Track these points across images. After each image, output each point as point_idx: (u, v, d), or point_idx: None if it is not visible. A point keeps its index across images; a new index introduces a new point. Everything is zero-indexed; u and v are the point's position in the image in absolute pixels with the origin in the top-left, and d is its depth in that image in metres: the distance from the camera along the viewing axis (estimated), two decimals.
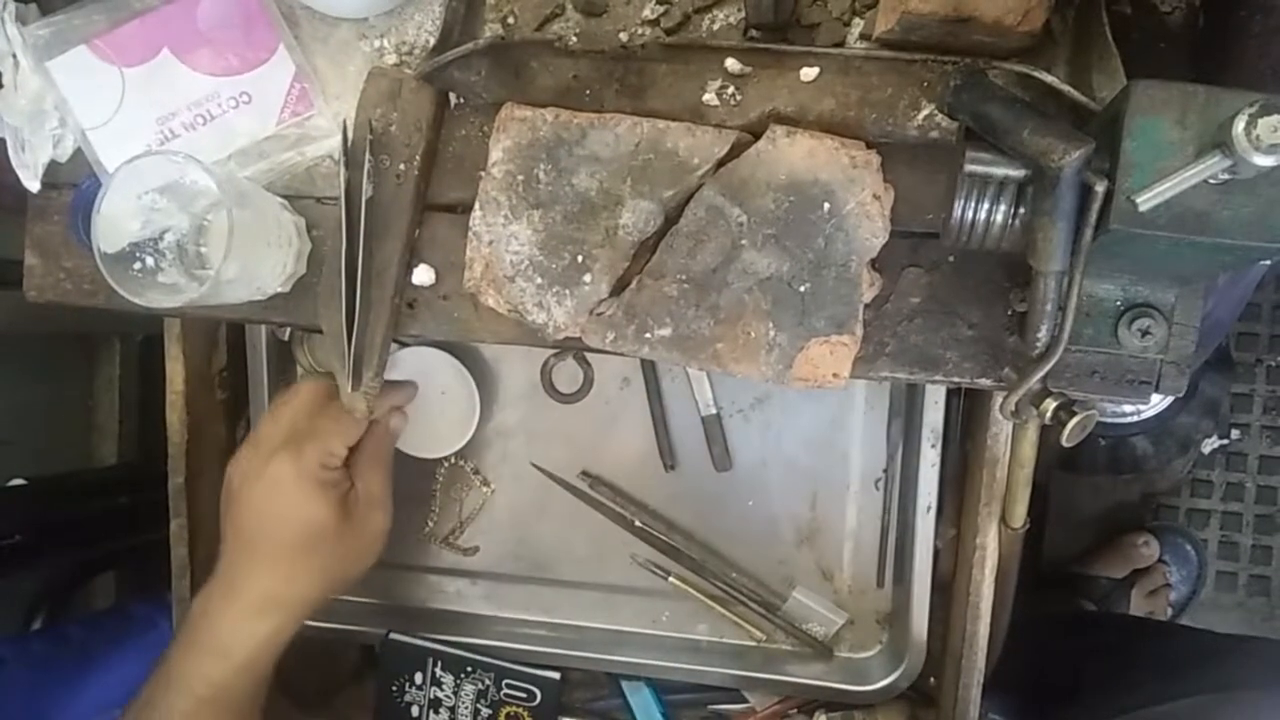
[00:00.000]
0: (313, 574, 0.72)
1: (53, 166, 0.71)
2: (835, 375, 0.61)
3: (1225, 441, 1.51)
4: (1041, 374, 0.55)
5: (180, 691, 0.69)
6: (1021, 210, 0.53)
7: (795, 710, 0.87)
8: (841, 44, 0.64)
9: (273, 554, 0.71)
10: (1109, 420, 1.39)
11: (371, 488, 0.76)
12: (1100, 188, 0.47)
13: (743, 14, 0.65)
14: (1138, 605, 1.41)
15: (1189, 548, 1.47)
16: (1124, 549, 1.45)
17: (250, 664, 0.70)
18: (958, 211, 0.53)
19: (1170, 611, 1.46)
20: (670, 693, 0.90)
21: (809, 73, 0.62)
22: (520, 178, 0.63)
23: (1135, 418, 1.41)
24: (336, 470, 0.73)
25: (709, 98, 0.64)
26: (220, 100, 0.69)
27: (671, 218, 0.62)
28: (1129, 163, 0.46)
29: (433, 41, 0.67)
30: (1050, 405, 0.58)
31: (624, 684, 0.90)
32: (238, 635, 0.70)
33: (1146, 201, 0.44)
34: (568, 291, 0.63)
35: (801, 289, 0.61)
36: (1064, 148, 0.47)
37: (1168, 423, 1.43)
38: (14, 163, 0.71)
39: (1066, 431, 0.56)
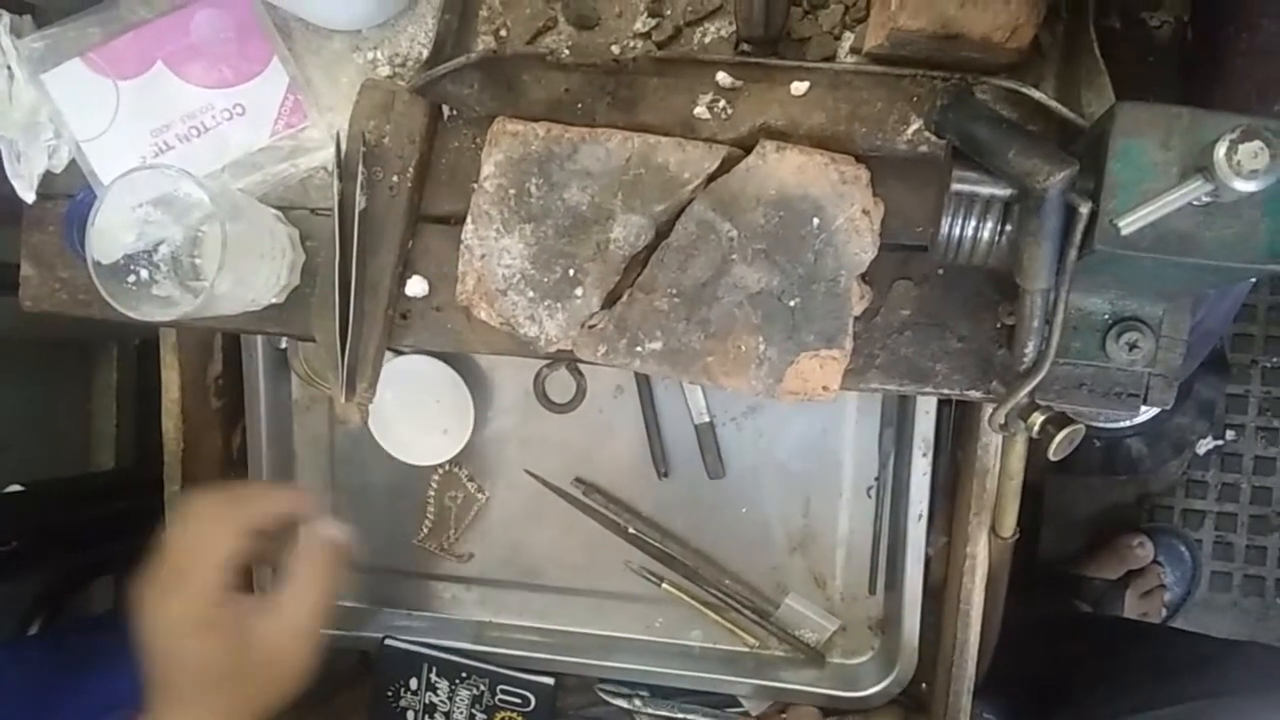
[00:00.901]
0: (219, 714, 0.65)
1: (48, 177, 0.72)
2: (825, 388, 0.62)
3: (1220, 442, 1.51)
4: (1028, 389, 0.56)
5: None
6: (1008, 228, 0.53)
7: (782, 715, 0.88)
8: (832, 58, 0.64)
9: (174, 697, 0.65)
10: (1103, 423, 1.39)
11: (294, 614, 0.67)
12: (1084, 209, 0.47)
13: (734, 28, 0.65)
14: (1132, 606, 1.41)
15: (1184, 549, 1.48)
16: (1119, 550, 1.45)
17: None
18: (945, 229, 0.53)
19: (1165, 612, 1.46)
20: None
21: (799, 87, 0.63)
22: (512, 192, 0.63)
23: (1130, 420, 1.41)
24: (223, 604, 0.65)
25: (700, 111, 0.64)
26: (214, 112, 0.70)
27: (662, 232, 0.63)
28: (1113, 184, 0.46)
29: (425, 54, 0.68)
30: (1038, 419, 0.59)
31: None
32: None
33: (1129, 225, 0.44)
34: (559, 305, 0.63)
35: (791, 303, 0.61)
36: (1048, 169, 0.47)
37: (1163, 424, 1.44)
38: (9, 174, 0.71)
39: (1054, 445, 0.57)
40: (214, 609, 0.64)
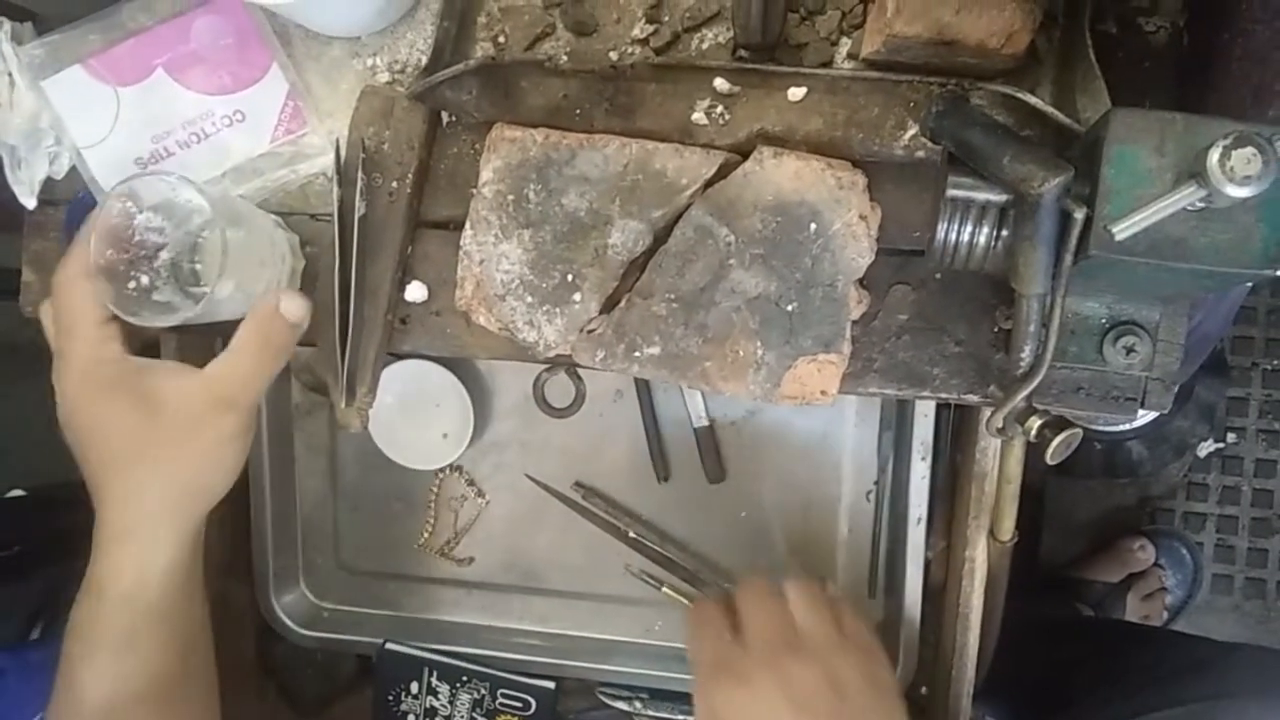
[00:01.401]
0: (147, 489, 0.60)
1: (48, 184, 0.72)
2: (823, 393, 0.62)
3: (1221, 445, 1.51)
4: (1025, 393, 0.56)
5: (71, 629, 0.62)
6: (1004, 233, 0.53)
7: None
8: (829, 64, 0.65)
9: (98, 476, 0.60)
10: (1104, 425, 1.39)
11: (222, 380, 0.61)
12: (1079, 215, 0.47)
13: (731, 34, 0.65)
14: (1133, 609, 1.41)
15: (1185, 551, 1.48)
16: (1120, 553, 1.45)
17: (128, 597, 0.60)
18: (941, 235, 0.54)
19: (1166, 615, 1.46)
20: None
21: (796, 93, 0.63)
22: (510, 197, 0.64)
23: (1130, 423, 1.41)
24: (119, 359, 0.60)
25: (698, 117, 0.64)
26: (214, 118, 0.70)
27: (660, 238, 0.63)
28: (1107, 190, 0.47)
29: (425, 60, 0.68)
30: (1035, 423, 0.59)
31: None
32: (99, 569, 0.61)
33: (1123, 231, 0.44)
34: (558, 310, 0.63)
35: (789, 308, 0.61)
36: (1043, 175, 0.47)
37: (1163, 427, 1.44)
38: (10, 180, 0.72)
39: (1051, 449, 0.57)
40: (105, 365, 0.60)
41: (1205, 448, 1.51)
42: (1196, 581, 1.49)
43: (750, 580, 0.69)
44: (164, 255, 0.66)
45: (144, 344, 0.68)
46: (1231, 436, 1.51)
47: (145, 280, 0.64)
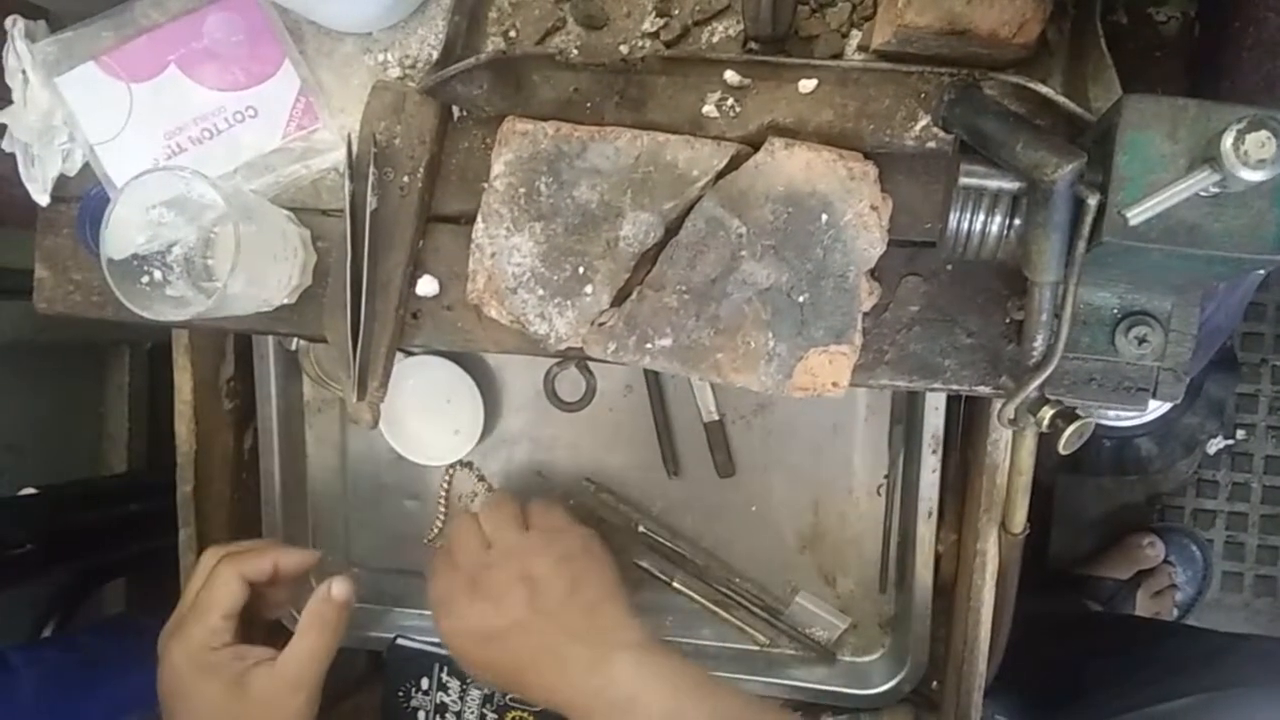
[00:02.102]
0: None
1: (61, 180, 0.73)
2: (834, 384, 0.62)
3: (1230, 442, 1.51)
4: (1038, 383, 0.56)
5: None
6: (1016, 222, 0.53)
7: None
8: (839, 56, 0.65)
9: None
10: (1113, 421, 1.39)
11: (292, 666, 0.71)
12: (1093, 201, 0.47)
13: (742, 26, 0.65)
14: (1143, 606, 1.41)
15: (1194, 548, 1.47)
16: (1129, 550, 1.45)
17: None
18: (953, 223, 0.54)
19: (1176, 612, 1.46)
20: None
21: (807, 84, 0.63)
22: (522, 190, 0.64)
23: (1140, 419, 1.41)
24: (224, 649, 0.70)
25: (709, 109, 0.64)
26: (226, 114, 0.70)
27: (671, 229, 0.63)
28: (1121, 176, 0.47)
29: (436, 55, 0.68)
30: (1048, 413, 0.59)
31: None
32: None
33: (1137, 216, 0.44)
34: (569, 303, 0.64)
35: (800, 299, 0.61)
36: (1056, 162, 0.47)
37: (1172, 424, 1.44)
38: (24, 177, 0.72)
39: (1064, 439, 0.57)
40: (213, 653, 0.69)
41: (1215, 444, 1.50)
42: (1206, 578, 1.48)
43: (459, 515, 0.81)
44: (177, 250, 0.66)
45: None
46: (1241, 433, 1.51)
47: (158, 275, 0.65)
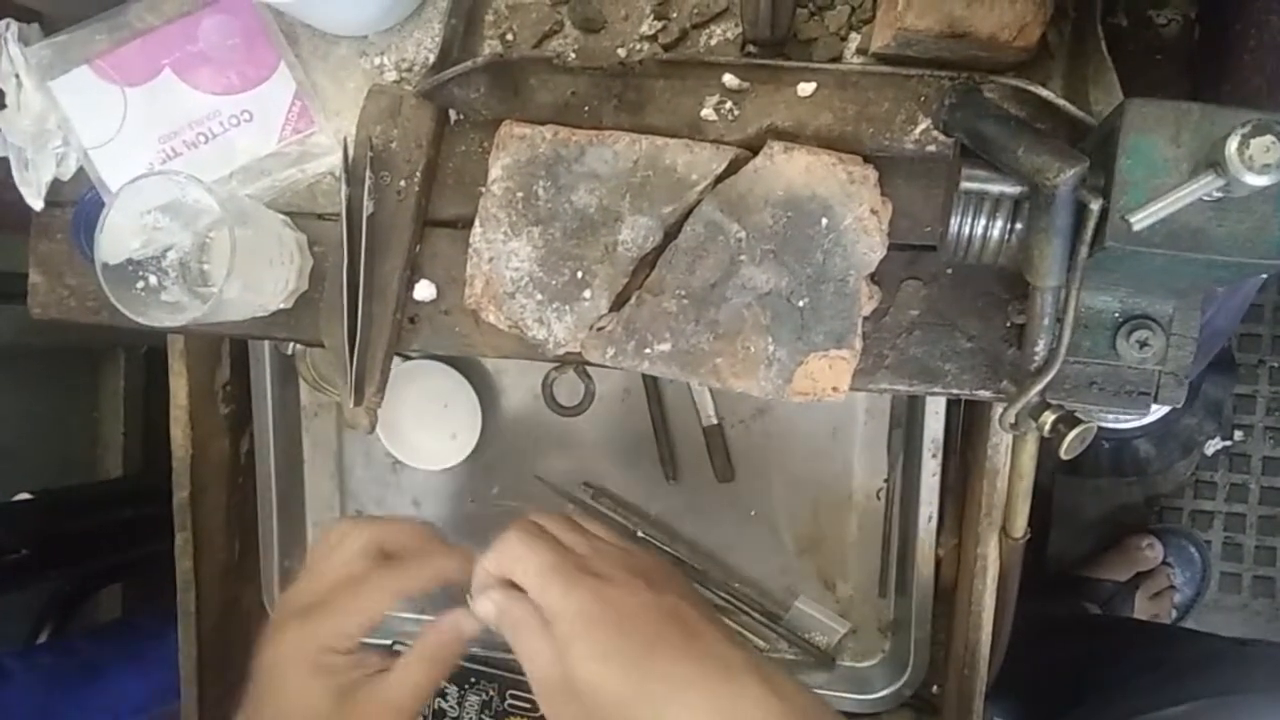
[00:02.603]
0: None
1: (56, 185, 0.72)
2: (834, 389, 0.62)
3: (1228, 443, 1.51)
4: (1039, 388, 0.56)
5: None
6: (1018, 226, 0.53)
7: None
8: (838, 59, 0.64)
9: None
10: (1112, 424, 1.39)
11: (401, 692, 0.64)
12: (1095, 206, 0.47)
13: (740, 30, 0.65)
14: (1142, 608, 1.41)
15: (1193, 550, 1.47)
16: (1128, 552, 1.45)
17: None
18: (954, 227, 0.53)
19: (1174, 614, 1.46)
20: None
21: (806, 88, 0.63)
22: (520, 195, 0.63)
23: (1138, 421, 1.41)
24: (344, 656, 0.64)
25: (707, 113, 0.64)
26: (222, 118, 0.70)
27: (670, 234, 0.62)
28: (1123, 181, 0.46)
29: (432, 58, 0.68)
30: (1049, 418, 0.58)
31: None
32: None
33: (1140, 221, 0.44)
34: (568, 307, 0.63)
35: (800, 304, 0.61)
36: (1058, 166, 0.47)
37: (1171, 425, 1.43)
38: (17, 181, 0.71)
39: (1065, 444, 0.57)
40: (334, 656, 0.63)
41: (1213, 445, 1.50)
42: (1205, 580, 1.48)
43: (528, 521, 0.66)
44: (172, 255, 0.66)
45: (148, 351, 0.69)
46: (1239, 434, 1.51)
47: (153, 280, 0.64)
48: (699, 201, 0.62)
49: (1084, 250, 0.49)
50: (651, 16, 0.66)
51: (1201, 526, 1.52)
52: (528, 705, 0.87)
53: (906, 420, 0.82)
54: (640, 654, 0.55)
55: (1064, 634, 1.18)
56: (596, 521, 0.66)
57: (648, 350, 0.63)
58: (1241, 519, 1.52)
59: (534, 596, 0.58)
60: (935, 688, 0.84)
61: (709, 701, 0.54)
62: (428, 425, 0.86)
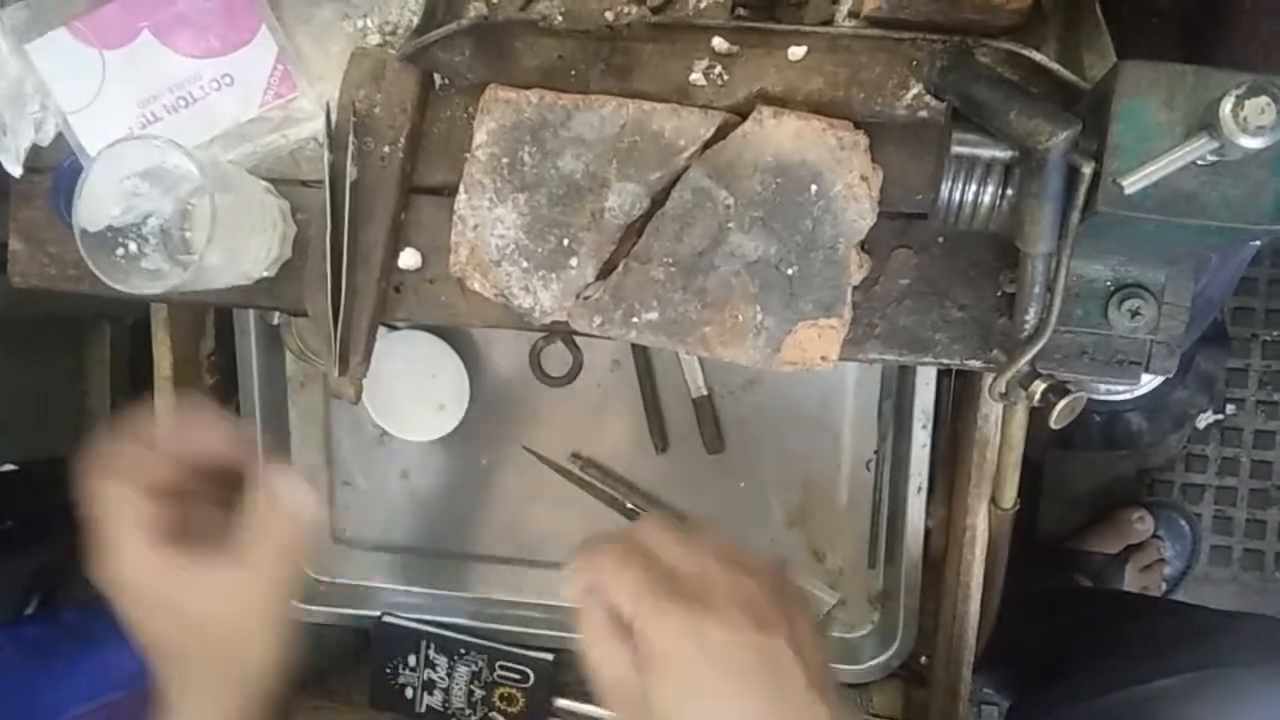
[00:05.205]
0: (205, 680, 0.61)
1: (35, 151, 0.71)
2: (824, 358, 0.61)
3: (1220, 416, 1.51)
4: (1029, 356, 0.55)
5: None
6: (1009, 192, 0.52)
7: None
8: (829, 22, 0.63)
9: (153, 656, 0.61)
10: (1103, 396, 1.39)
11: (248, 600, 0.60)
12: (1087, 170, 0.46)
13: None
14: (1132, 580, 1.41)
15: (1183, 523, 1.47)
16: (1119, 524, 1.45)
17: None
18: (945, 193, 0.53)
19: (1164, 586, 1.46)
20: None
21: (797, 52, 0.62)
22: (505, 160, 0.62)
23: (1130, 394, 1.41)
24: (155, 580, 0.57)
25: (696, 78, 0.63)
26: (202, 82, 0.68)
27: (658, 200, 0.62)
28: (1116, 144, 0.45)
29: (416, 21, 0.66)
30: (1039, 387, 0.58)
31: None
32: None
33: (1133, 184, 0.43)
34: (554, 275, 0.62)
35: (789, 272, 0.60)
36: (1050, 129, 0.46)
37: (1163, 398, 1.43)
38: None
39: (1055, 413, 0.56)
40: (144, 583, 0.58)
41: (1204, 419, 1.50)
42: (1195, 553, 1.49)
43: (638, 529, 0.61)
44: (153, 222, 0.65)
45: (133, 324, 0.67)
46: (1231, 408, 1.50)
47: (134, 247, 0.63)
48: (687, 168, 0.61)
49: (1075, 216, 0.48)
50: None
51: (1192, 500, 1.52)
52: (517, 676, 0.87)
53: (897, 391, 0.82)
54: (722, 698, 0.52)
55: (1053, 606, 1.18)
56: (716, 535, 0.60)
57: (635, 319, 0.62)
58: (1233, 492, 1.52)
59: (625, 616, 0.54)
60: (924, 658, 0.84)
61: None
62: (415, 396, 0.85)
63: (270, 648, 0.61)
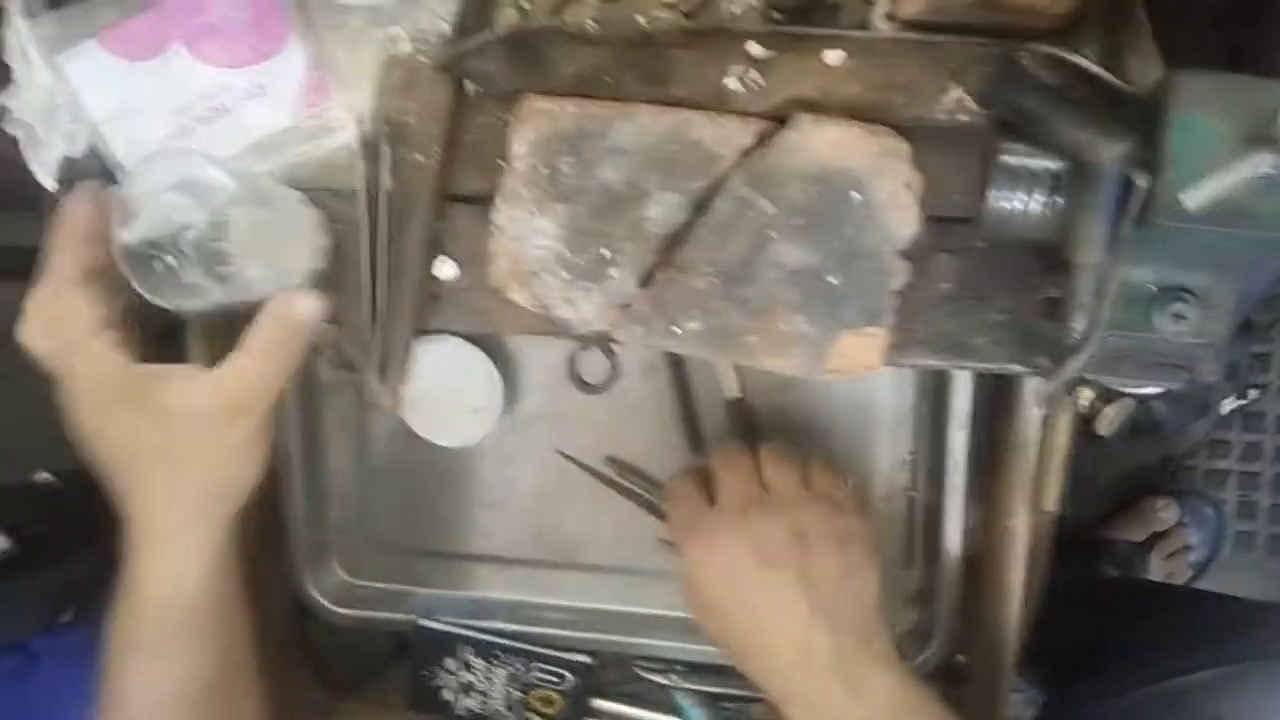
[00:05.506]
0: (170, 497, 0.59)
1: (67, 162, 0.71)
2: (867, 366, 0.61)
3: (1243, 402, 1.50)
4: (1078, 364, 0.55)
5: (112, 632, 0.63)
6: (1058, 200, 0.52)
7: None
8: (865, 25, 0.63)
9: (120, 486, 0.60)
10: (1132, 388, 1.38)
11: (232, 385, 0.58)
12: (1144, 183, 0.46)
13: None
14: (1157, 568, 1.41)
15: (1208, 509, 1.47)
16: (1143, 512, 1.45)
17: (164, 599, 0.61)
18: (993, 202, 0.52)
19: (1189, 573, 1.46)
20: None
21: (833, 56, 0.61)
22: (544, 171, 0.62)
23: None
24: (119, 375, 0.57)
25: (731, 83, 0.62)
26: (234, 92, 0.68)
27: (699, 209, 0.61)
28: (1172, 157, 0.45)
29: (448, 28, 0.66)
30: (1085, 394, 0.58)
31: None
32: (135, 574, 0.62)
33: (1194, 200, 0.43)
34: (595, 286, 0.62)
35: (832, 280, 0.60)
36: (1106, 143, 0.46)
37: (1186, 386, 1.42)
38: (29, 159, 0.70)
39: (1103, 420, 0.56)
40: (108, 379, 0.57)
41: (1227, 404, 1.49)
42: (1220, 539, 1.48)
43: (724, 448, 0.73)
44: (189, 235, 0.64)
45: (161, 330, 0.67)
46: (1253, 393, 1.50)
47: (171, 260, 0.63)
48: (727, 176, 0.60)
49: (1129, 227, 0.48)
50: None
51: (1216, 486, 1.52)
52: (554, 678, 0.88)
53: (934, 391, 0.81)
54: (738, 628, 0.64)
55: (1082, 597, 1.18)
56: (779, 467, 0.70)
57: (677, 329, 0.62)
58: (1256, 477, 1.52)
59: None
60: (960, 656, 0.84)
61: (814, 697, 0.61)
62: (448, 401, 0.85)
63: (250, 460, 0.61)
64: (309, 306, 0.61)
